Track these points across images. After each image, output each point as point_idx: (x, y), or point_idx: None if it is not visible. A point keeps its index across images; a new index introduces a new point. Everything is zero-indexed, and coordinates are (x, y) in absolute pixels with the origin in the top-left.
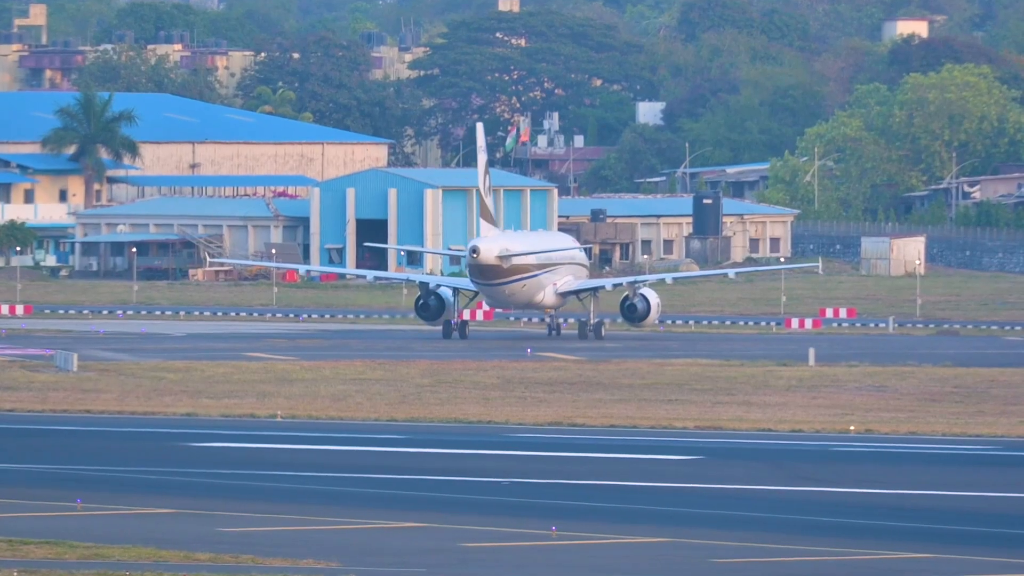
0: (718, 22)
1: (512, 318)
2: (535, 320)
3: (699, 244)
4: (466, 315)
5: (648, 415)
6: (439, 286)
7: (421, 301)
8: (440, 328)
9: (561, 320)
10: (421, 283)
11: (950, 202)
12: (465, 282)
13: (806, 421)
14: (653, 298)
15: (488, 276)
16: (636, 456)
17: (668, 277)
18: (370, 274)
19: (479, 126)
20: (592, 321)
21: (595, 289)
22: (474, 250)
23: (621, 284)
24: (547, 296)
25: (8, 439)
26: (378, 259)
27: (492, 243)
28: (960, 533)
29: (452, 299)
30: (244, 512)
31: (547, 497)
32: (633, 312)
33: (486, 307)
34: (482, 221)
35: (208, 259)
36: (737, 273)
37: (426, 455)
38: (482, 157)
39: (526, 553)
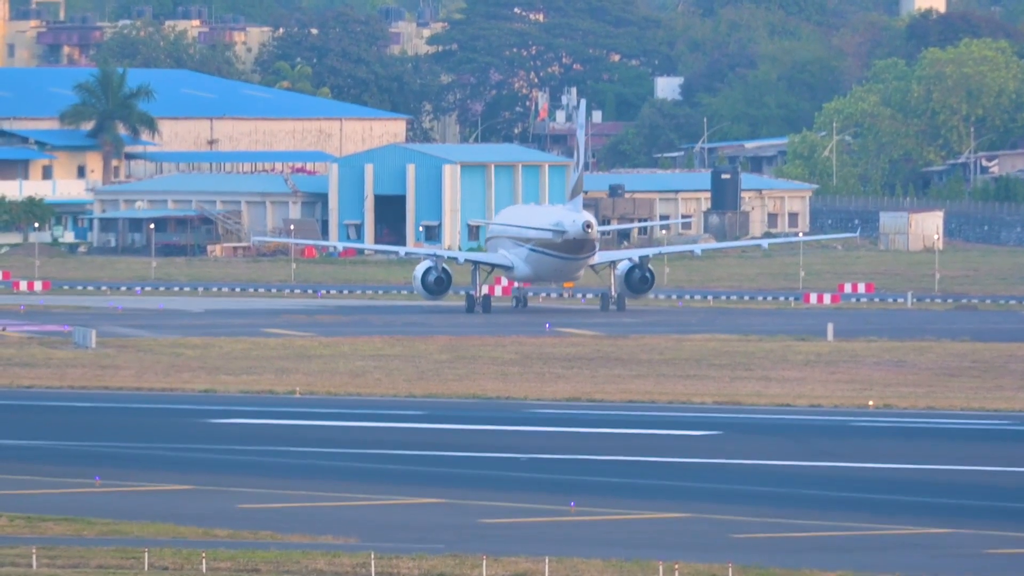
0: None
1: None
2: (550, 294)
3: (717, 219)
4: (485, 290)
5: (667, 390)
6: (467, 261)
7: (434, 276)
8: (443, 302)
9: (529, 293)
10: (436, 257)
11: (968, 177)
12: (487, 256)
13: (825, 396)
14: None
15: (577, 250)
16: (655, 432)
17: (697, 249)
18: (402, 250)
19: (582, 102)
20: (614, 293)
21: (614, 262)
22: (573, 223)
23: (647, 256)
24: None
25: (27, 416)
26: (397, 235)
27: (587, 216)
28: (978, 508)
29: (476, 274)
30: (263, 488)
31: (566, 473)
32: (644, 284)
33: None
34: (570, 196)
35: (248, 236)
36: (770, 244)
37: (444, 431)
38: (581, 133)
39: (545, 529)
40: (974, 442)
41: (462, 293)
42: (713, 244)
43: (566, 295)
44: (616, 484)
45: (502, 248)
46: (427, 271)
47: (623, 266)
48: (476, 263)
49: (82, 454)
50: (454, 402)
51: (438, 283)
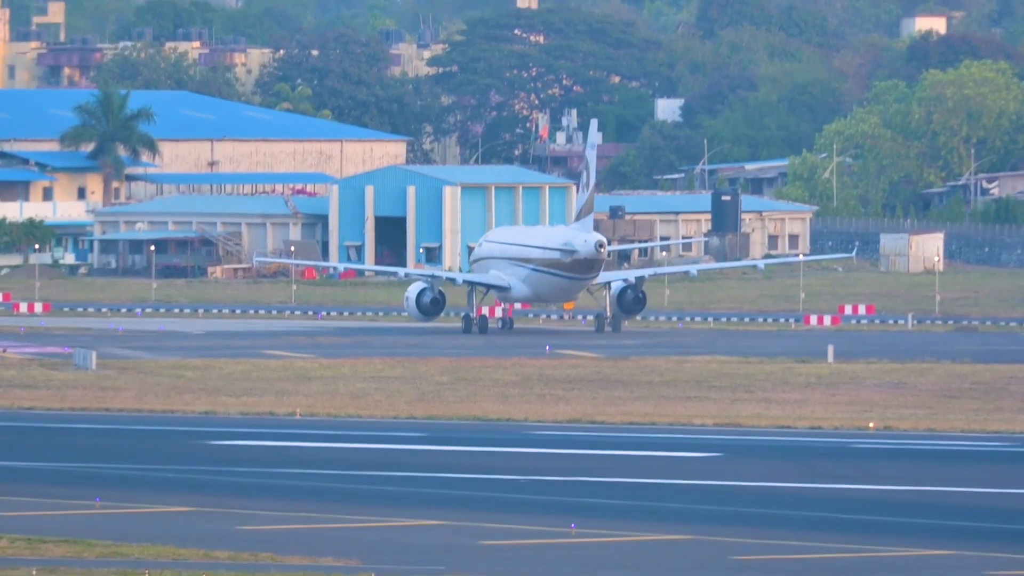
0: (736, 18)
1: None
2: (546, 314)
3: (718, 241)
4: (484, 311)
5: (667, 412)
6: (464, 282)
7: (429, 297)
8: (436, 323)
9: (528, 314)
10: (432, 278)
11: (968, 198)
12: (485, 277)
13: (825, 418)
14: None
15: (587, 270)
16: (655, 453)
17: (693, 269)
18: (402, 271)
19: (594, 122)
20: (609, 314)
21: (610, 282)
22: (585, 243)
23: (643, 277)
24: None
25: (27, 437)
26: (397, 256)
27: (599, 236)
28: (979, 530)
29: (472, 295)
30: (263, 510)
31: (566, 494)
32: (637, 305)
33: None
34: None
35: (248, 257)
36: (766, 265)
37: (445, 453)
38: (591, 153)
39: (546, 550)
40: (975, 464)
41: (453, 315)
42: (708, 264)
43: (566, 316)
44: (616, 506)
45: (494, 269)
46: (421, 292)
47: (616, 286)
48: (473, 284)
49: (82, 475)
50: (455, 424)
51: (433, 304)
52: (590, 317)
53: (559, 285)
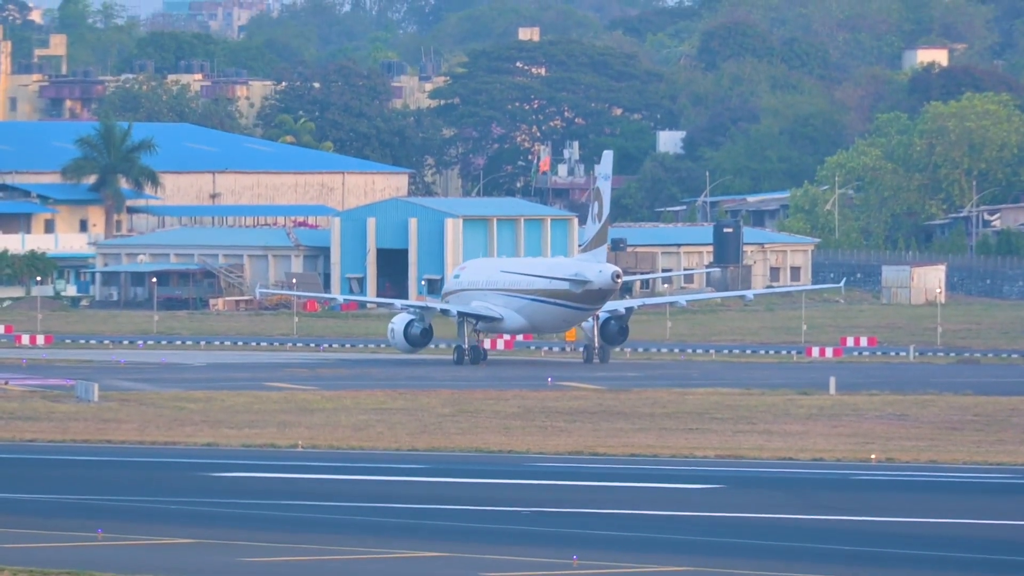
0: (738, 51)
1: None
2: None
3: (719, 273)
4: (474, 341)
5: (669, 444)
6: (458, 313)
7: (420, 328)
8: (424, 355)
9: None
10: (424, 309)
11: (970, 231)
12: (479, 309)
13: (827, 450)
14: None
15: (598, 300)
16: (657, 485)
17: (683, 300)
18: (399, 303)
19: (609, 153)
20: (597, 345)
21: (596, 313)
22: (600, 273)
23: (632, 307)
24: None
25: (29, 469)
26: (399, 288)
27: (615, 267)
28: (981, 562)
29: (463, 326)
30: (266, 542)
31: (568, 527)
32: (621, 336)
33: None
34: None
35: (250, 289)
36: (755, 295)
37: (447, 484)
38: (606, 185)
39: None
40: (976, 496)
41: (444, 346)
42: (696, 295)
43: (568, 348)
44: (618, 538)
45: (477, 300)
46: (410, 323)
47: (601, 316)
48: (465, 315)
49: (84, 507)
50: (457, 456)
51: (424, 335)
52: (579, 349)
53: (562, 316)
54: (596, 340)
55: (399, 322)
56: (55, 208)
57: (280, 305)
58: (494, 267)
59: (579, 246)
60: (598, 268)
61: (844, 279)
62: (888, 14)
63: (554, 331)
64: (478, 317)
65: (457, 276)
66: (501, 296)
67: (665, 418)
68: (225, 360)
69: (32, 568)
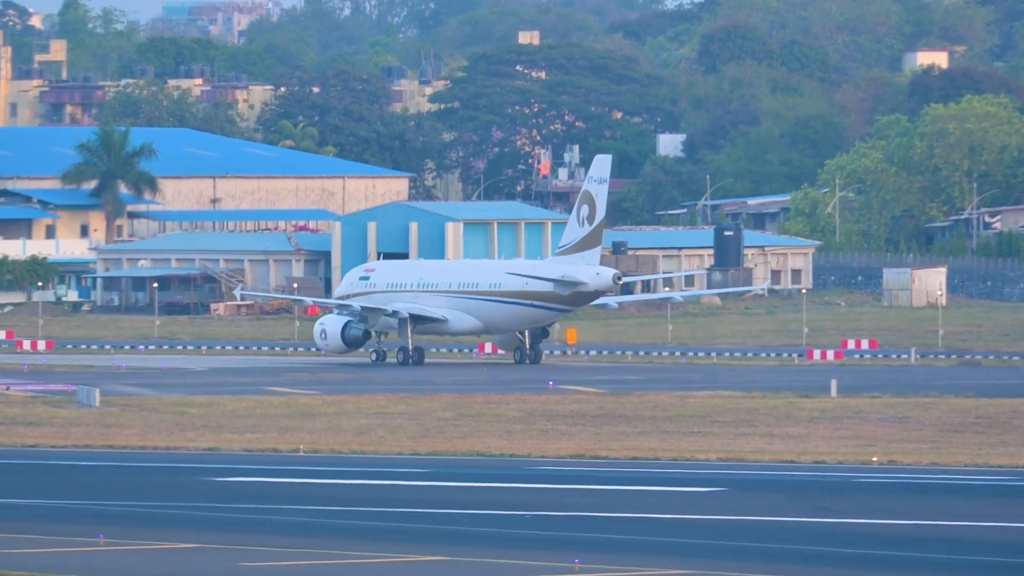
0: (738, 54)
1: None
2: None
3: (720, 276)
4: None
5: (670, 447)
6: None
7: (361, 330)
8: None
9: (386, 349)
10: (362, 309)
11: (971, 233)
12: (429, 310)
13: (828, 452)
14: None
15: (583, 302)
16: (659, 488)
17: (612, 302)
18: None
19: (606, 158)
20: (528, 345)
21: None
22: (597, 275)
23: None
24: None
25: (31, 475)
26: None
27: (614, 269)
28: (984, 564)
29: (405, 327)
30: (267, 547)
31: (570, 530)
32: (545, 334)
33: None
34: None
35: (238, 291)
36: (684, 298)
37: (448, 488)
38: (601, 188)
39: None
40: (978, 498)
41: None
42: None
43: (569, 352)
44: (620, 541)
45: (400, 302)
46: (347, 324)
47: None
48: (415, 317)
49: (86, 512)
50: (458, 460)
51: (366, 336)
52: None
53: (532, 316)
54: (528, 341)
55: (333, 323)
56: (56, 213)
57: (281, 310)
58: (423, 268)
59: (559, 248)
60: (594, 270)
61: (766, 284)
62: (888, 16)
63: (508, 331)
64: (428, 319)
65: (366, 278)
66: (440, 297)
67: (666, 421)
68: (226, 365)
69: (34, 573)
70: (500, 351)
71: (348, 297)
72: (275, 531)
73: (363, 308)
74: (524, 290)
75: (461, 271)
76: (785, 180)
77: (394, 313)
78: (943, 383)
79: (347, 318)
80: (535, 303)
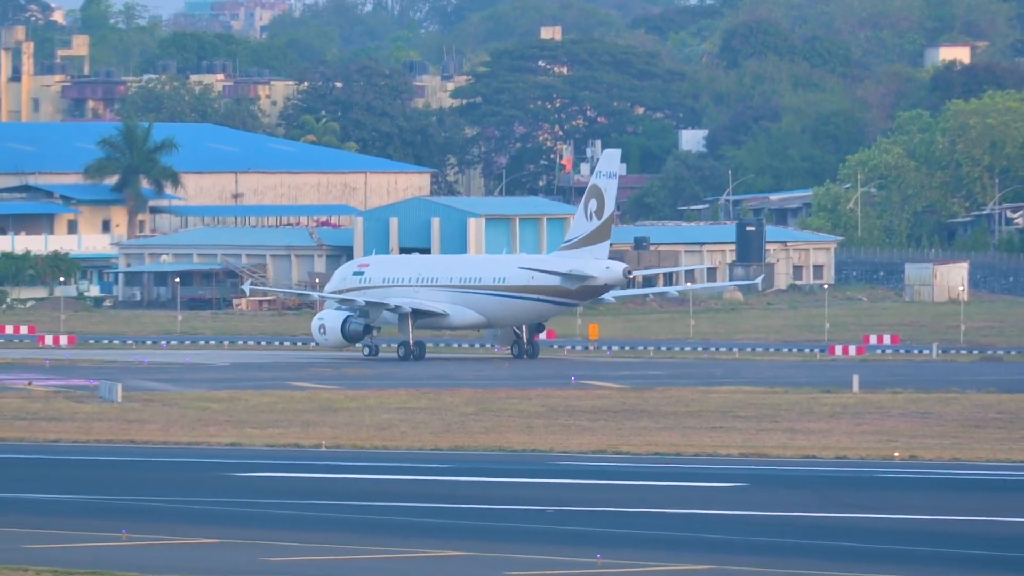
0: (760, 49)
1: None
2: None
3: (742, 271)
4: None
5: (692, 442)
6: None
7: (362, 325)
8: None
9: (378, 343)
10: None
11: (993, 228)
12: (431, 305)
13: (850, 448)
14: None
15: (590, 295)
16: (681, 484)
17: (609, 297)
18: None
19: (615, 152)
20: (526, 340)
21: None
22: (607, 269)
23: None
24: None
25: (53, 470)
26: None
27: (623, 263)
28: (1005, 559)
29: (406, 322)
30: (289, 542)
31: (592, 525)
32: (541, 328)
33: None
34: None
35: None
36: (680, 291)
37: (470, 484)
38: (610, 183)
39: None
40: (1000, 493)
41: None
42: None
43: (591, 348)
44: (642, 536)
45: (397, 297)
46: (347, 319)
47: None
48: (416, 312)
49: (108, 508)
50: (480, 455)
51: (366, 331)
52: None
53: (536, 311)
54: (525, 335)
55: (333, 318)
56: (78, 209)
57: (303, 305)
58: (419, 263)
59: (564, 242)
60: (604, 264)
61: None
62: (910, 12)
63: (510, 325)
64: (428, 313)
65: (360, 273)
66: (440, 291)
67: (688, 416)
68: (249, 360)
69: (56, 568)
70: (496, 346)
71: (341, 292)
72: (296, 526)
73: (366, 303)
74: (529, 284)
75: (460, 265)
76: (807, 176)
77: (396, 308)
78: (965, 378)
79: (347, 313)
80: (540, 297)
